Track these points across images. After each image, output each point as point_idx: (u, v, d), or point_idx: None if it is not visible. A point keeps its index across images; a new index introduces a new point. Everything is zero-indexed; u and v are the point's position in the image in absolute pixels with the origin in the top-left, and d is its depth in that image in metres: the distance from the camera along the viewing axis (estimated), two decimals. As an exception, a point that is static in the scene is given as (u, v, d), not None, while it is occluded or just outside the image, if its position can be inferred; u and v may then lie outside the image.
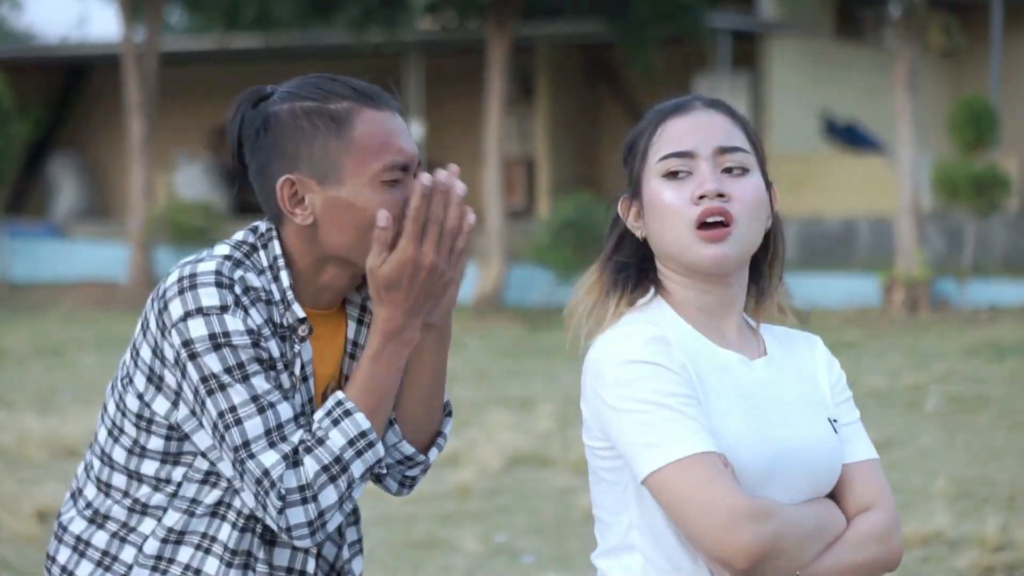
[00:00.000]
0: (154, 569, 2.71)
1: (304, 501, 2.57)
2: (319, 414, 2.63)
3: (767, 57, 25.48)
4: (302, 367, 2.68)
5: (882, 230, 22.60)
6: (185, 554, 2.71)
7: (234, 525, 2.70)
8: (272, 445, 2.58)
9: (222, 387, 2.58)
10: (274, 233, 2.70)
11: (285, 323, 2.66)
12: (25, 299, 21.86)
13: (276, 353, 2.63)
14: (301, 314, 2.66)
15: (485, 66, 21.79)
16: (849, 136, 26.05)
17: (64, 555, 2.77)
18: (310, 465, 2.58)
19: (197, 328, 2.57)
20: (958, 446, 10.03)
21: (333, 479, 2.59)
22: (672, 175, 2.49)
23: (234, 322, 2.57)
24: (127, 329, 17.44)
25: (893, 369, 13.78)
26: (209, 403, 2.59)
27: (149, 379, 2.67)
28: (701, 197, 2.45)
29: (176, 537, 2.71)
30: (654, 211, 2.50)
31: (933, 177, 20.05)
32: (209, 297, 2.57)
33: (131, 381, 2.70)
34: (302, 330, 2.67)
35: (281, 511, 2.58)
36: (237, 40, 25.05)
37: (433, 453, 2.84)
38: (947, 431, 10.62)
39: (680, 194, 2.47)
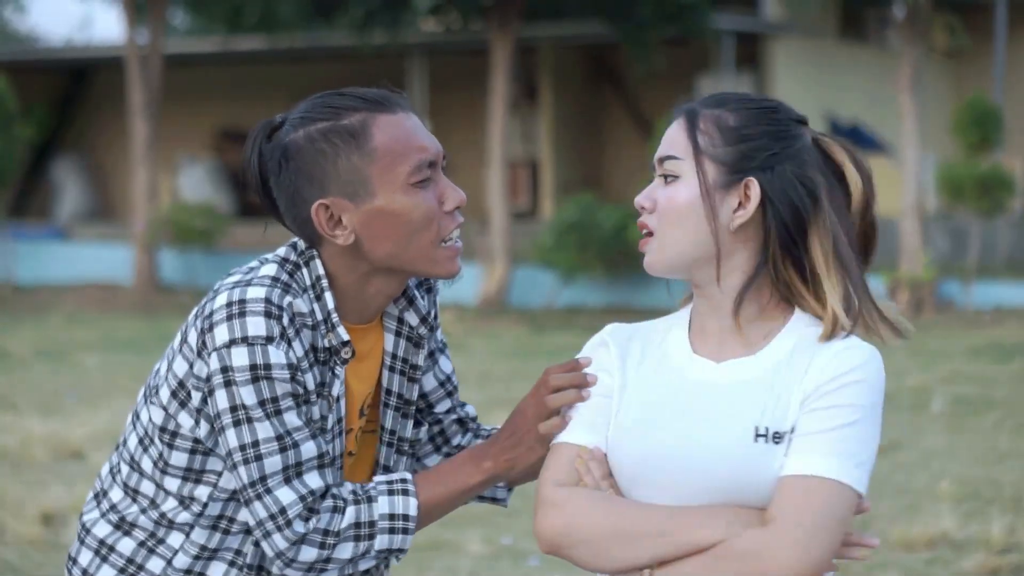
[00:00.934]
0: None
1: (322, 546, 2.58)
2: (381, 478, 2.64)
3: (770, 58, 25.47)
4: (339, 388, 2.67)
5: (886, 231, 22.56)
6: (218, 570, 2.71)
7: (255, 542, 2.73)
8: (287, 481, 2.57)
9: (250, 420, 2.56)
10: (314, 252, 2.68)
11: (327, 345, 2.64)
12: (29, 301, 21.86)
13: (311, 385, 2.61)
14: (346, 337, 2.65)
15: (488, 67, 21.78)
16: (853, 137, 26.02)
17: (86, 558, 2.76)
18: (349, 516, 2.59)
19: (239, 357, 2.55)
20: (963, 447, 10.01)
21: (357, 539, 2.59)
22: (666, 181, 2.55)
23: (277, 355, 2.55)
24: (131, 331, 17.44)
25: (898, 370, 13.76)
26: (232, 433, 2.58)
27: (174, 393, 2.66)
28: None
29: (209, 554, 2.70)
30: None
31: (937, 178, 20.04)
32: (256, 327, 2.54)
33: (157, 392, 2.69)
34: (345, 352, 2.65)
35: (295, 544, 2.57)
36: (240, 42, 25.05)
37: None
38: (952, 432, 10.60)
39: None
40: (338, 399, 2.66)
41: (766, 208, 2.47)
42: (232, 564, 2.70)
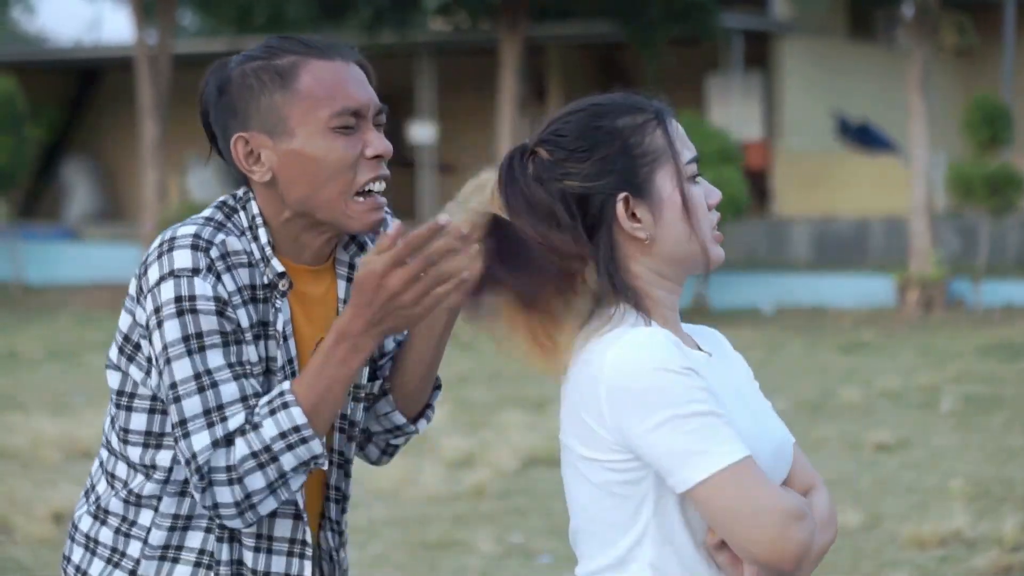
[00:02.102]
0: (162, 559, 2.69)
1: (230, 482, 2.54)
2: (263, 399, 2.58)
3: (779, 57, 25.45)
4: (283, 325, 2.66)
5: (896, 230, 22.56)
6: (196, 539, 2.70)
7: None
8: (210, 426, 2.55)
9: (176, 358, 2.56)
10: (252, 195, 2.70)
11: (266, 281, 2.65)
12: (38, 301, 21.88)
13: (245, 323, 2.61)
14: (280, 268, 2.65)
15: (497, 67, 21.78)
16: (862, 136, 26.00)
17: (78, 554, 2.77)
18: (239, 448, 2.54)
19: (167, 291, 2.57)
20: (973, 446, 9.99)
21: (261, 466, 2.54)
22: (693, 179, 2.49)
23: (203, 286, 2.56)
24: (141, 331, 17.41)
25: (907, 369, 13.74)
26: (165, 374, 2.58)
27: (121, 349, 2.67)
28: (713, 206, 2.51)
29: (183, 523, 2.69)
30: (677, 214, 2.45)
31: (947, 177, 20.00)
32: (183, 260, 2.57)
33: (110, 356, 2.71)
34: (282, 284, 2.65)
35: (205, 490, 2.55)
36: (249, 42, 25.03)
37: (422, 424, 2.85)
38: (962, 431, 10.58)
39: (703, 198, 2.49)
40: (286, 337, 2.66)
41: None
42: (209, 530, 2.68)
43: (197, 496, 2.57)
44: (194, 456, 2.54)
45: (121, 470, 2.72)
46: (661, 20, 22.01)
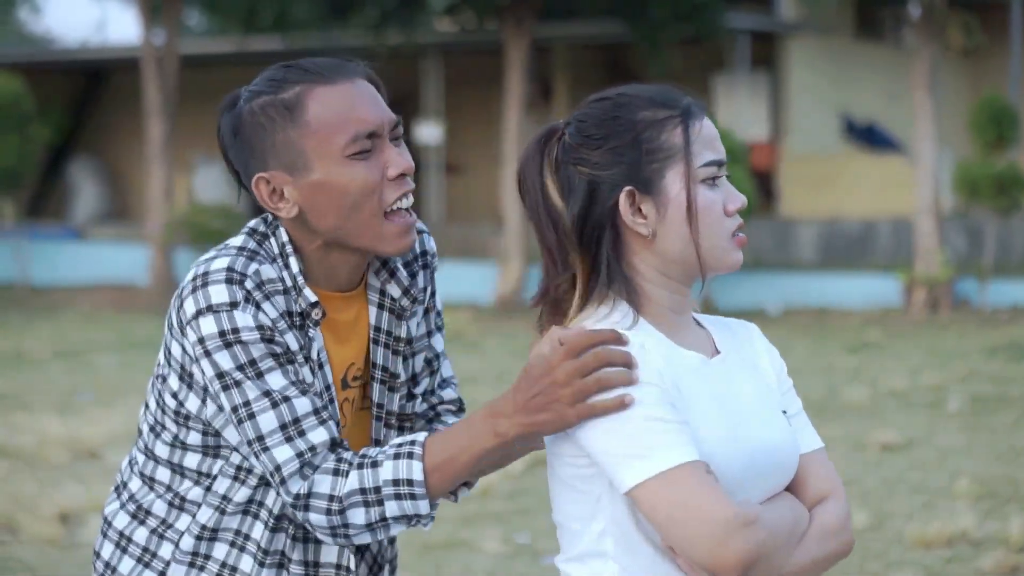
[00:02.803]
0: (191, 565, 2.71)
1: (328, 512, 2.54)
2: (395, 440, 2.57)
3: (786, 57, 25.43)
4: (318, 353, 2.66)
5: (902, 230, 22.54)
6: (220, 551, 2.72)
7: (266, 524, 2.70)
8: (288, 440, 2.55)
9: (236, 383, 2.56)
10: (279, 221, 2.69)
11: (299, 309, 2.64)
12: (45, 301, 21.90)
13: (295, 346, 2.60)
14: (313, 298, 2.63)
15: (503, 67, 21.78)
16: (869, 136, 25.99)
17: (108, 550, 2.78)
18: (351, 481, 2.54)
19: (208, 326, 2.56)
20: (980, 446, 9.98)
21: (366, 505, 2.54)
22: (711, 182, 2.45)
23: (244, 318, 2.55)
24: (147, 331, 17.45)
25: (914, 369, 13.73)
26: (224, 399, 2.58)
27: (180, 377, 2.67)
28: (734, 211, 2.47)
29: (210, 534, 2.71)
30: (681, 215, 2.43)
31: (953, 176, 19.98)
32: (219, 294, 2.56)
33: (165, 380, 2.71)
34: (315, 314, 2.64)
35: (300, 505, 2.56)
36: (256, 43, 25.07)
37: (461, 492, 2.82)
38: (969, 431, 10.57)
39: (718, 203, 2.45)
40: (321, 365, 2.66)
41: None
42: (232, 544, 2.71)
43: (285, 503, 2.60)
44: (278, 468, 2.55)
45: (163, 475, 2.75)
46: (667, 20, 22.00)
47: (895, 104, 25.94)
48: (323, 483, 2.54)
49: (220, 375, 2.57)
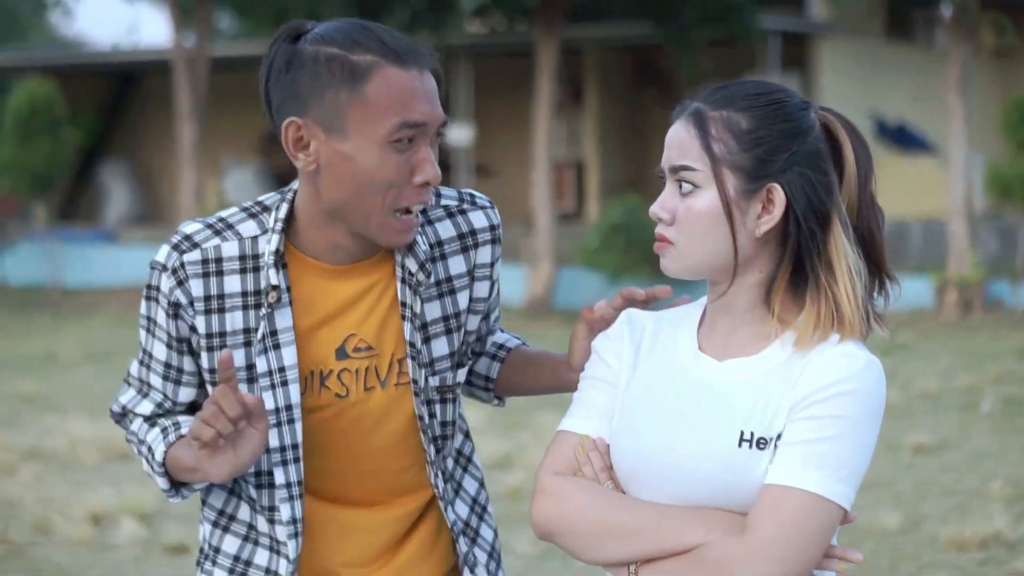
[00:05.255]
0: (215, 525, 2.86)
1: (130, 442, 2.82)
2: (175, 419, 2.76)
3: (817, 58, 25.37)
4: (267, 335, 2.64)
5: (934, 231, 22.46)
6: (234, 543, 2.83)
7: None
8: (140, 392, 2.79)
9: (139, 327, 2.76)
10: (291, 195, 2.68)
11: (265, 287, 2.64)
12: (76, 304, 21.98)
13: (209, 329, 2.65)
14: (274, 281, 2.62)
15: (533, 69, 21.78)
16: (900, 137, 25.90)
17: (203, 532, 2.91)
18: (134, 425, 2.79)
19: (147, 277, 2.72)
20: (1013, 448, 9.93)
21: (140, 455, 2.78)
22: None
23: (166, 283, 2.66)
24: (178, 333, 17.47)
25: (946, 371, 13.68)
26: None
27: None
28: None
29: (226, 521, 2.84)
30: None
31: (986, 177, 19.91)
32: (162, 254, 2.68)
33: None
34: (270, 297, 2.62)
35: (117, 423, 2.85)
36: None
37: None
38: (1002, 433, 10.52)
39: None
40: (277, 345, 2.64)
41: (788, 210, 2.42)
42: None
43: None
44: (116, 399, 2.81)
45: None
46: (698, 21, 21.97)
47: (926, 105, 25.85)
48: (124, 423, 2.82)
49: (141, 316, 2.75)
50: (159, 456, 2.68)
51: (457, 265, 2.76)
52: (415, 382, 2.71)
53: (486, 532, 2.95)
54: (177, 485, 2.72)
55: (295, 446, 2.66)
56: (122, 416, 2.80)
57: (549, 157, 21.42)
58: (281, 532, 2.71)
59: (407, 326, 2.69)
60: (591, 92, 26.57)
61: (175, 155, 24.49)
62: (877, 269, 2.54)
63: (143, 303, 2.71)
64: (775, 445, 2.37)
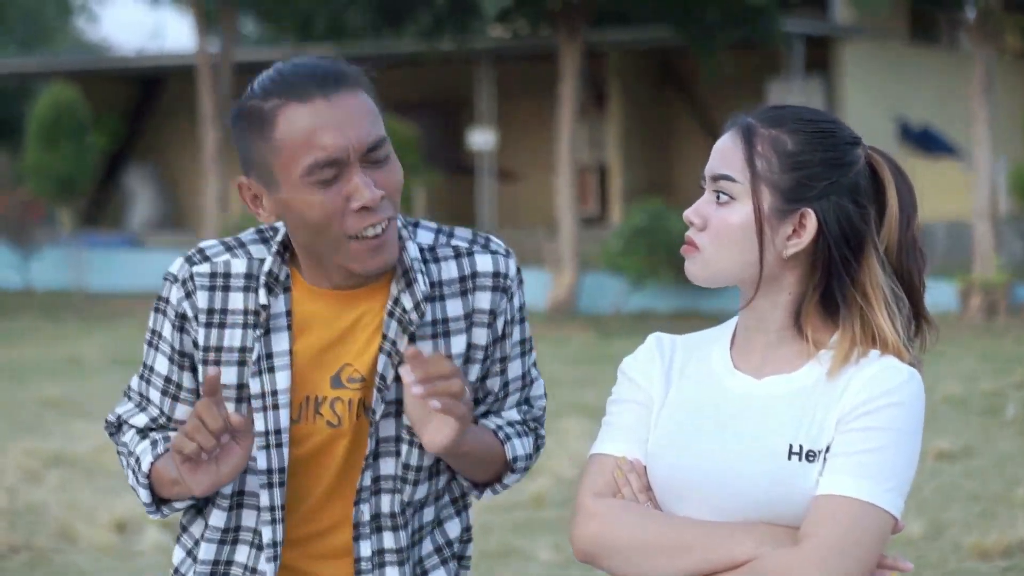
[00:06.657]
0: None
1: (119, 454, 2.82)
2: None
3: (841, 62, 25.33)
4: (263, 357, 2.63)
5: (959, 234, 22.40)
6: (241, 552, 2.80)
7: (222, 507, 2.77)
8: (139, 406, 2.79)
9: (146, 342, 2.77)
10: None
11: (254, 308, 2.64)
12: (101, 309, 22.05)
13: (208, 343, 2.65)
14: (263, 301, 2.62)
15: (556, 73, 21.78)
16: (924, 140, 25.84)
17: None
18: (126, 435, 2.79)
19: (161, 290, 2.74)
20: (1038, 453, 9.91)
21: (127, 465, 2.78)
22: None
23: (175, 294, 2.68)
24: (202, 338, 17.51)
25: (971, 375, 13.63)
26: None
27: None
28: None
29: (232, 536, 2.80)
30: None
31: (1010, 180, 19.87)
32: (175, 266, 2.70)
33: None
34: (261, 317, 2.62)
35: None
36: (310, 50, 25.16)
37: (487, 495, 2.80)
38: (1027, 438, 10.49)
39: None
40: (272, 368, 2.63)
41: (819, 236, 2.45)
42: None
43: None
44: (112, 411, 2.82)
45: None
46: (721, 25, 21.95)
47: (950, 108, 25.78)
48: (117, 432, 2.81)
49: (147, 330, 2.76)
50: (145, 467, 2.69)
51: (455, 307, 2.68)
52: (372, 412, 2.64)
53: None
54: (159, 502, 2.71)
55: (281, 470, 2.64)
56: (117, 428, 2.81)
57: (572, 161, 21.42)
58: (259, 556, 2.70)
59: (382, 358, 2.62)
60: (614, 96, 26.55)
61: (199, 160, 24.56)
62: (915, 314, 2.53)
63: (151, 316, 2.74)
64: (824, 458, 2.40)
